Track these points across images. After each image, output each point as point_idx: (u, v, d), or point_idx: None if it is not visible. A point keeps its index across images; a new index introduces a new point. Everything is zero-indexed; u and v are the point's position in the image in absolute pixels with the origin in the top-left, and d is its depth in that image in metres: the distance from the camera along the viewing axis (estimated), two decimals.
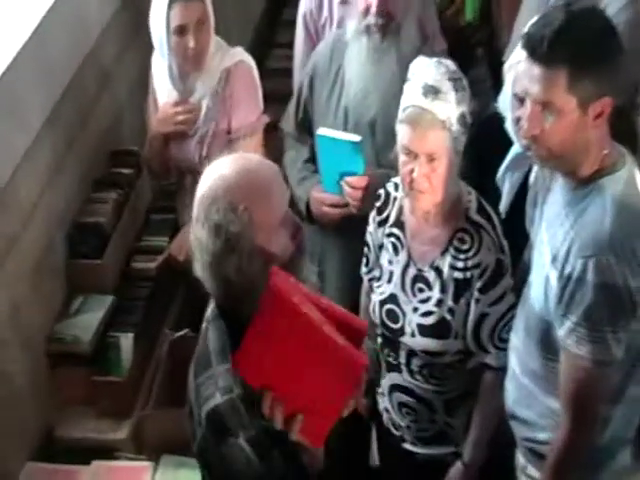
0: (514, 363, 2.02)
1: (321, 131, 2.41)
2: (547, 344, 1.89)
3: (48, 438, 2.67)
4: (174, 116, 2.71)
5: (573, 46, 1.71)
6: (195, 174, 2.53)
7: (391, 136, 2.21)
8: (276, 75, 3.35)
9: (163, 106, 2.76)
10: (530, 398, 1.99)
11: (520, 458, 2.10)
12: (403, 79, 2.20)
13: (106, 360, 2.71)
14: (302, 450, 1.51)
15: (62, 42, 2.74)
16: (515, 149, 2.45)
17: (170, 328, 2.90)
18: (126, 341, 2.71)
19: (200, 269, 1.60)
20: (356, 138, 2.37)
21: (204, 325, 1.68)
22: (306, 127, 2.61)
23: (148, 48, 2.73)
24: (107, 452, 2.61)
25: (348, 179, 2.42)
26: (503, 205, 2.52)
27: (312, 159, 2.60)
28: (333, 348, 1.38)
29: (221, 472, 1.55)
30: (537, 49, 1.71)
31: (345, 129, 2.46)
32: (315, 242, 2.57)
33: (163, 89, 2.75)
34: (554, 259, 1.82)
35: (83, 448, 2.63)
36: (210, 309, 1.69)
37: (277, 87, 3.13)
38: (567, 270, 1.78)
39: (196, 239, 1.59)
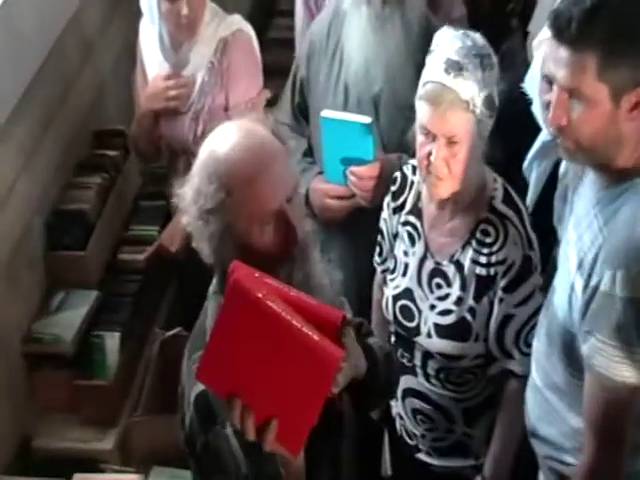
0: (536, 373, 1.94)
1: (325, 113, 2.29)
2: (571, 358, 1.81)
3: (25, 449, 2.64)
4: (165, 91, 2.63)
5: (605, 28, 1.61)
6: (189, 155, 2.51)
7: (397, 113, 2.17)
8: (277, 46, 3.33)
9: (153, 80, 2.68)
10: (553, 415, 1.91)
11: (542, 477, 2.02)
12: (409, 49, 2.13)
13: (90, 362, 2.66)
14: (280, 464, 1.47)
15: (38, 8, 2.69)
16: (544, 135, 2.37)
17: (161, 327, 2.86)
18: (112, 341, 2.66)
19: (193, 237, 1.60)
20: (366, 119, 2.25)
21: (206, 303, 1.66)
22: (303, 113, 2.51)
23: (136, 14, 2.70)
24: (91, 464, 2.56)
25: (354, 169, 2.31)
26: (530, 197, 2.45)
27: (310, 151, 2.50)
28: (305, 342, 1.34)
29: (207, 463, 1.54)
30: (564, 30, 1.62)
31: (345, 108, 2.35)
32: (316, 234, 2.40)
33: (153, 60, 2.69)
34: (580, 265, 1.75)
35: (64, 460, 2.58)
36: (212, 284, 1.66)
37: (278, 59, 3.04)
38: (593, 281, 1.70)
39: (183, 199, 1.58)
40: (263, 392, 1.36)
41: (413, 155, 2.10)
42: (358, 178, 2.32)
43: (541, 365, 1.92)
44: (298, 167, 2.46)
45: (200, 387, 1.50)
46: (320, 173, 2.41)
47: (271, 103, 2.68)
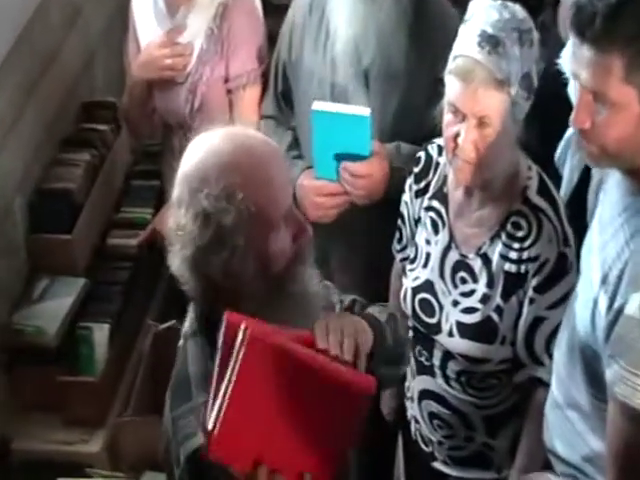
0: (556, 389, 1.89)
1: (316, 105, 2.23)
2: (594, 378, 1.75)
3: (4, 451, 2.58)
4: (160, 59, 2.53)
5: (633, 25, 1.55)
6: (185, 130, 2.46)
7: (390, 84, 2.19)
8: (282, 12, 3.09)
9: (146, 47, 2.59)
10: (574, 436, 1.85)
11: None
12: (399, 14, 2.16)
13: (76, 356, 2.62)
14: None
15: None
16: None
17: (154, 318, 2.81)
18: (100, 333, 2.62)
19: (178, 263, 1.50)
20: (364, 112, 2.19)
21: (181, 342, 1.59)
22: (287, 101, 2.46)
23: None
24: (76, 468, 2.51)
25: (349, 165, 2.24)
26: (563, 190, 2.36)
27: (295, 143, 2.45)
28: (333, 379, 1.35)
29: None
30: (587, 27, 1.56)
31: (334, 87, 2.31)
32: (315, 236, 2.36)
33: (146, 26, 2.60)
34: (604, 280, 1.69)
35: (47, 464, 2.54)
36: (188, 322, 1.60)
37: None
38: (618, 302, 1.65)
39: (176, 225, 1.49)
40: (287, 448, 1.35)
41: (439, 134, 2.03)
42: (352, 176, 2.27)
43: (562, 381, 1.87)
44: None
45: (192, 445, 1.44)
46: (308, 168, 2.36)
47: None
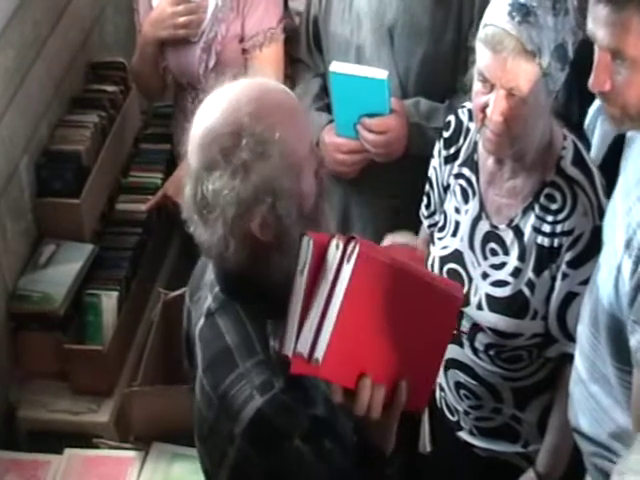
0: (580, 364, 1.89)
1: (334, 67, 2.25)
2: (620, 350, 1.75)
3: (9, 420, 2.56)
4: (173, 17, 2.50)
5: None
6: (199, 91, 2.46)
7: (414, 40, 2.19)
8: None
9: (159, 4, 2.56)
10: (599, 412, 1.85)
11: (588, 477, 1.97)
12: None
13: (83, 324, 2.60)
14: (370, 433, 1.48)
15: None
16: None
17: (163, 286, 2.77)
18: (108, 301, 2.60)
19: (210, 232, 1.45)
20: (382, 74, 2.20)
21: (203, 322, 1.57)
22: (318, 46, 2.47)
23: None
24: (83, 439, 2.48)
25: (367, 121, 2.27)
26: (592, 158, 2.36)
27: (323, 90, 2.46)
28: (432, 288, 1.43)
29: None
30: None
31: (357, 43, 2.33)
32: (334, 196, 2.42)
33: None
34: (628, 244, 1.68)
35: (53, 433, 2.51)
36: (210, 298, 1.57)
37: None
38: None
39: (201, 195, 1.44)
40: (388, 360, 1.40)
41: (463, 93, 2.03)
42: (371, 132, 2.29)
43: (586, 355, 1.86)
44: (308, 112, 2.45)
45: (251, 410, 1.43)
46: (331, 122, 2.39)
47: (291, 37, 2.56)
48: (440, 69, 2.24)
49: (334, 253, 1.36)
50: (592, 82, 1.64)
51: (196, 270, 1.67)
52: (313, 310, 1.36)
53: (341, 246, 1.36)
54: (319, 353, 1.36)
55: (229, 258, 1.47)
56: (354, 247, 1.35)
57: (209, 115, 1.44)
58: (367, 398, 1.40)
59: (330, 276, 1.35)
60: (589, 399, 1.86)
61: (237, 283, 1.52)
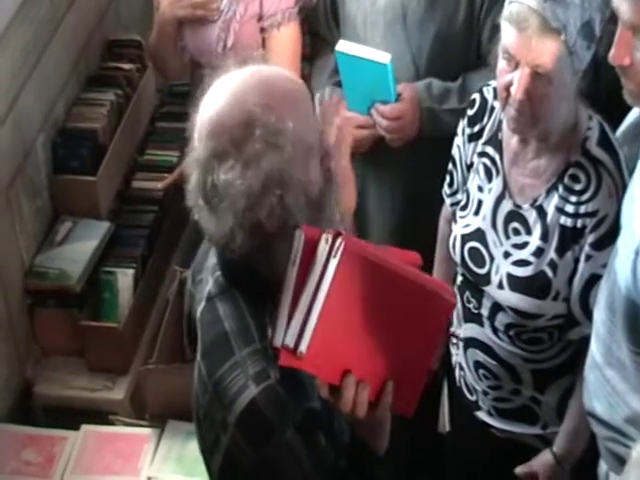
0: (595, 348, 1.87)
1: (340, 46, 2.24)
2: (636, 333, 1.73)
3: (25, 396, 2.57)
4: None
5: None
6: (216, 70, 2.32)
7: (427, 20, 2.19)
8: None
9: None
10: (614, 397, 1.83)
11: (602, 465, 1.94)
12: None
13: (99, 301, 2.62)
14: (359, 431, 1.47)
15: None
16: None
17: (179, 264, 2.75)
18: (124, 278, 2.62)
19: (218, 221, 1.43)
20: (384, 58, 2.20)
21: (203, 305, 1.55)
22: (337, 19, 2.46)
23: None
24: (99, 415, 2.50)
25: (379, 107, 2.29)
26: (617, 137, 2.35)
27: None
28: (420, 289, 1.40)
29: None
30: None
31: (371, 16, 2.30)
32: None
33: None
34: None
35: (69, 410, 2.52)
36: (212, 283, 1.56)
37: None
38: None
39: (211, 184, 1.42)
40: (373, 359, 1.38)
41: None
42: (383, 118, 2.30)
43: (601, 339, 1.85)
44: (324, 88, 2.44)
45: (245, 399, 1.42)
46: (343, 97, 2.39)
47: (309, 16, 2.53)
48: (452, 47, 2.23)
49: (323, 247, 1.36)
50: (612, 55, 1.61)
51: (200, 251, 1.65)
52: (302, 303, 1.36)
53: (330, 241, 1.36)
54: (303, 346, 1.35)
55: (235, 248, 1.45)
56: (340, 242, 1.35)
57: (216, 103, 1.41)
58: (351, 395, 1.38)
59: (318, 270, 1.36)
60: (604, 384, 1.85)
61: (239, 271, 1.50)
